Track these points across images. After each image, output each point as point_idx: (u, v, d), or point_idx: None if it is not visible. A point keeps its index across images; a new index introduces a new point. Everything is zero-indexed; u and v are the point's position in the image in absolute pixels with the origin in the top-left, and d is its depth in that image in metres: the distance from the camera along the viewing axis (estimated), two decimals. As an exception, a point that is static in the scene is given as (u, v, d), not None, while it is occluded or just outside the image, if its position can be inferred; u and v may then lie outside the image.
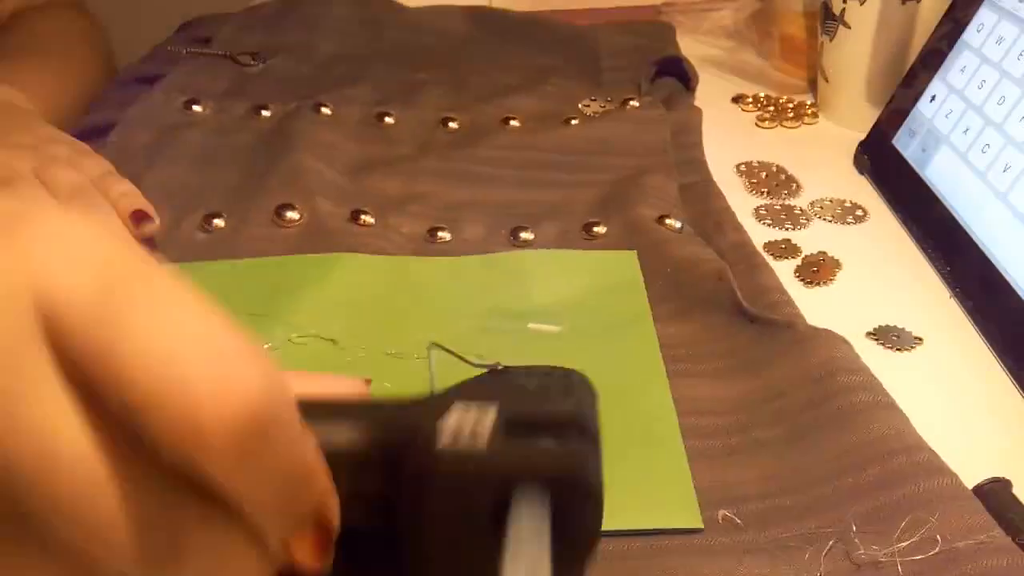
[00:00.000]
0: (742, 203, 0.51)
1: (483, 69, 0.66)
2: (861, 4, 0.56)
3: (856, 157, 0.56)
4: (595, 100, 0.61)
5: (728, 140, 0.59)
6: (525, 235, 0.46)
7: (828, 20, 0.59)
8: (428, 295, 0.42)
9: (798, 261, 0.46)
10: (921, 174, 0.50)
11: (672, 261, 0.42)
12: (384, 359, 0.38)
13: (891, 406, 0.33)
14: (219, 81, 0.62)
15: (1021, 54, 0.45)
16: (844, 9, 0.57)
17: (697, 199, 0.50)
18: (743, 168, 0.55)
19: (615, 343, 0.38)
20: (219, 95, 0.60)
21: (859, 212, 0.51)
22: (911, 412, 0.36)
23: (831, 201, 0.51)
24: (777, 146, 0.59)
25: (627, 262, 0.44)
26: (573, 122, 0.57)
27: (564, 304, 0.41)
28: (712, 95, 0.66)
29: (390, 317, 0.40)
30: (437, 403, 0.22)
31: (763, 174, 0.54)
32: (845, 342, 0.36)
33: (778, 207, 0.51)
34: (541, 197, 0.49)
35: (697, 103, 0.65)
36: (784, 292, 0.41)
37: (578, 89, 0.63)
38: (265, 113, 0.58)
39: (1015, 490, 0.31)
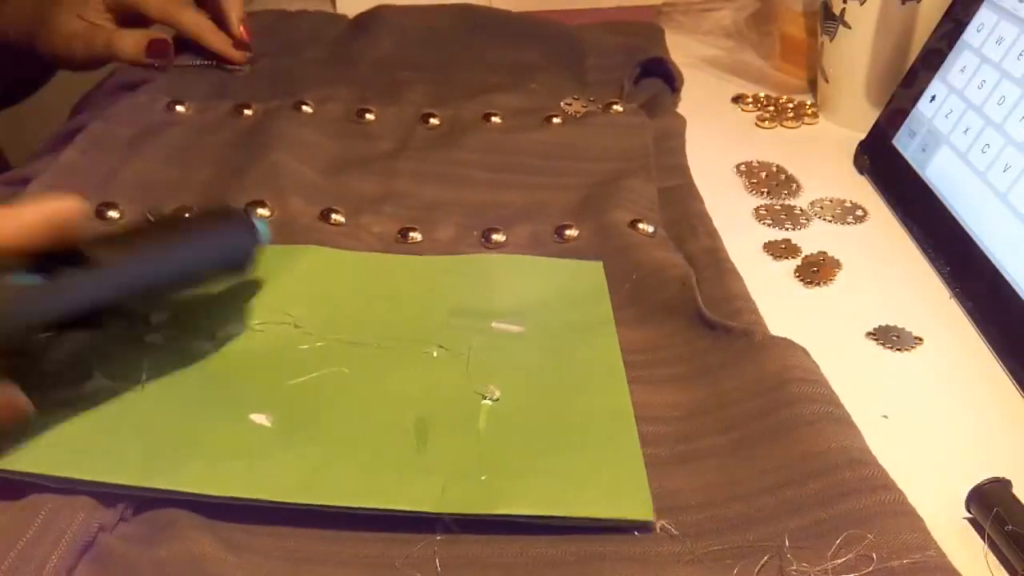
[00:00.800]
0: (742, 203, 0.51)
1: (467, 66, 0.66)
2: (861, 4, 0.56)
3: (856, 157, 0.56)
4: (577, 99, 0.60)
5: (728, 140, 0.59)
6: (497, 237, 0.46)
7: (828, 20, 0.59)
8: (393, 290, 0.42)
9: (798, 261, 0.46)
10: (921, 174, 0.50)
11: (639, 266, 0.42)
12: (344, 347, 0.38)
13: (841, 419, 0.33)
14: (204, 84, 0.62)
15: (1021, 54, 0.45)
16: (844, 9, 0.57)
17: (675, 202, 0.49)
18: (743, 168, 0.55)
19: (577, 344, 0.39)
20: (203, 96, 0.60)
21: (859, 212, 0.51)
22: (911, 412, 0.36)
23: (831, 201, 0.51)
24: (777, 146, 0.59)
25: (593, 272, 0.43)
26: (555, 120, 0.57)
27: (528, 306, 0.41)
28: (712, 95, 0.66)
29: (353, 309, 0.41)
30: None
31: (763, 174, 0.54)
32: (803, 352, 0.36)
33: (778, 207, 0.51)
34: (516, 199, 0.49)
35: (697, 103, 0.65)
36: (749, 300, 0.41)
37: (562, 87, 0.63)
38: (247, 112, 0.58)
39: (1015, 490, 0.31)
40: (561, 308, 0.41)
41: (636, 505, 0.31)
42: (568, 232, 0.46)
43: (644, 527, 0.30)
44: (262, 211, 0.47)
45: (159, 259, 0.35)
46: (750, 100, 0.64)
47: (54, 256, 0.32)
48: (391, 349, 0.38)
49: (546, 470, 0.32)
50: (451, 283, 0.43)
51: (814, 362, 0.36)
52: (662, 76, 0.65)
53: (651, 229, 0.45)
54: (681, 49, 0.74)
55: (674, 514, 0.30)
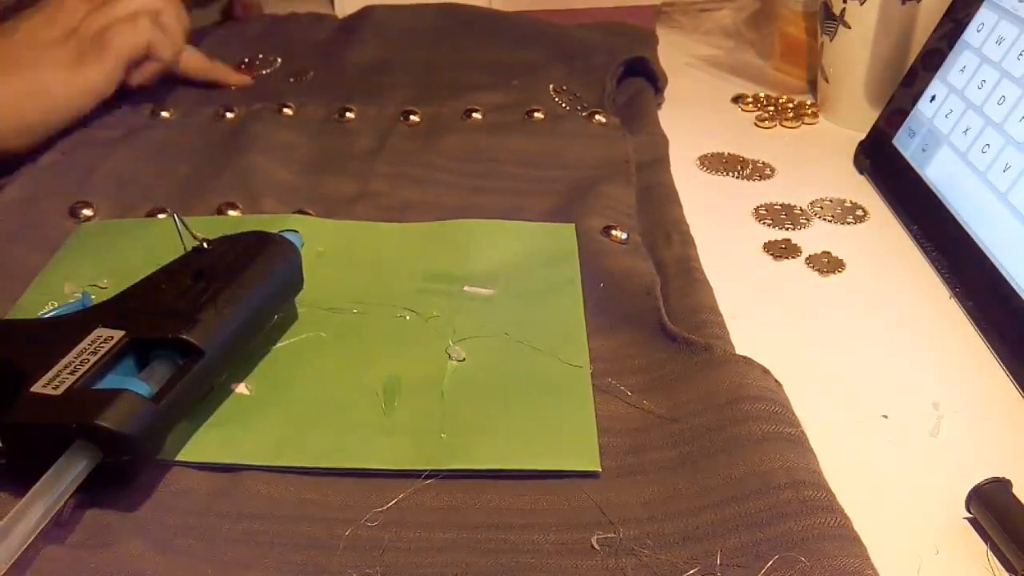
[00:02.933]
0: (742, 203, 0.51)
1: (451, 65, 0.66)
2: (861, 4, 0.56)
3: (856, 157, 0.56)
4: (565, 89, 0.59)
5: (727, 140, 0.59)
6: None
7: (828, 20, 0.59)
8: (370, 257, 0.44)
9: (799, 260, 0.46)
10: (921, 174, 0.50)
11: (606, 275, 0.42)
12: (323, 314, 0.40)
13: (792, 438, 0.32)
14: (189, 91, 0.62)
15: (1021, 54, 0.45)
16: (844, 9, 0.57)
17: (653, 207, 0.49)
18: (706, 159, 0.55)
19: (542, 305, 0.40)
20: (188, 104, 0.60)
21: (859, 212, 0.51)
22: (911, 412, 0.36)
23: (831, 201, 0.51)
24: (777, 146, 0.59)
25: (565, 233, 0.45)
26: (536, 115, 0.57)
27: (500, 270, 0.43)
28: (712, 95, 0.66)
29: (330, 275, 0.42)
30: (78, 327, 0.32)
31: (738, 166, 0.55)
32: (762, 371, 0.35)
33: (778, 206, 0.51)
34: (492, 202, 0.49)
35: (697, 103, 0.65)
36: (716, 313, 0.40)
37: (544, 85, 0.62)
38: (229, 115, 0.58)
39: (1015, 490, 0.31)
40: (531, 270, 0.43)
41: (583, 458, 0.32)
42: None
43: (591, 476, 0.32)
44: (233, 212, 0.47)
45: (246, 323, 0.35)
46: (750, 100, 0.64)
47: (159, 343, 0.32)
48: (367, 315, 0.40)
49: (502, 426, 0.34)
50: (429, 248, 0.44)
51: (774, 380, 0.35)
52: (646, 76, 0.65)
53: (624, 236, 0.45)
54: (681, 49, 0.74)
55: (613, 528, 0.30)
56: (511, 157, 0.53)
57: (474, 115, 0.57)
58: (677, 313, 0.40)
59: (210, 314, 0.33)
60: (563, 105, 0.59)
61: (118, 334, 0.32)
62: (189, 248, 0.37)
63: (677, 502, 0.31)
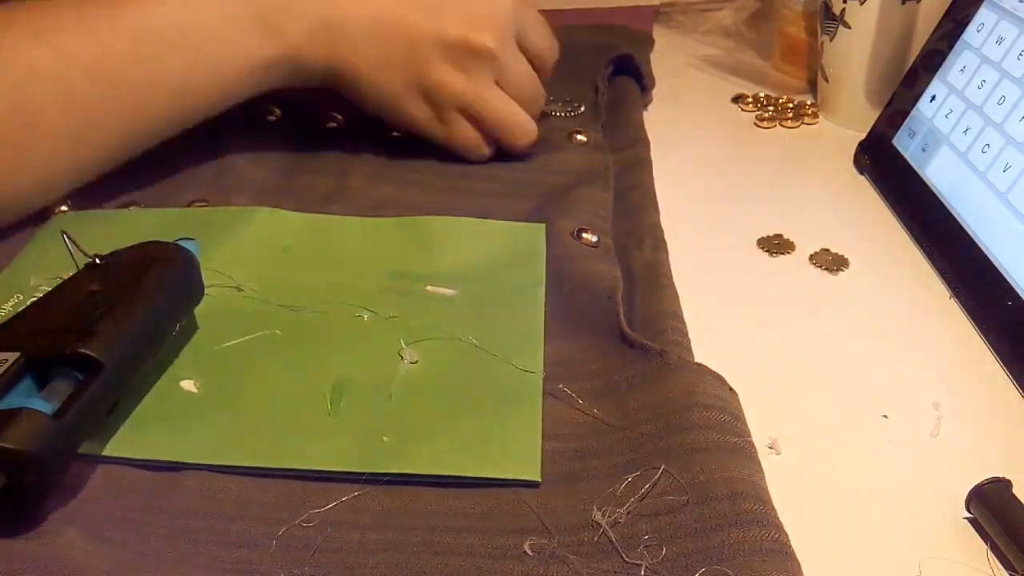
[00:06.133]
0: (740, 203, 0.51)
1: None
2: (861, 4, 0.56)
3: (856, 157, 0.56)
4: (554, 101, 0.59)
5: (727, 140, 0.59)
6: None
7: (828, 20, 0.59)
8: (337, 253, 0.44)
9: (798, 258, 0.46)
10: (921, 174, 0.50)
11: (571, 278, 0.41)
12: (281, 311, 0.39)
13: (737, 448, 0.31)
14: None
15: (1021, 54, 0.45)
16: (844, 9, 0.58)
17: (630, 211, 0.48)
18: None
19: (503, 308, 0.40)
20: None
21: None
22: (911, 412, 0.36)
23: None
24: (777, 146, 0.59)
25: (534, 233, 0.45)
26: None
27: (465, 270, 0.42)
28: (712, 95, 0.66)
29: (296, 271, 0.42)
30: None
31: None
32: (715, 378, 0.35)
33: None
34: (468, 204, 0.48)
35: (697, 103, 0.65)
36: (678, 319, 0.40)
37: None
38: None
39: (1015, 490, 0.31)
40: (496, 271, 0.42)
41: (524, 467, 0.32)
42: None
43: (531, 485, 0.31)
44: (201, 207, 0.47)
45: (144, 334, 0.34)
46: (750, 100, 0.64)
47: (57, 360, 0.31)
48: (326, 313, 0.39)
49: (446, 432, 0.33)
50: (396, 245, 0.44)
51: (727, 389, 0.34)
52: (634, 76, 0.64)
53: (595, 239, 0.44)
54: (681, 49, 0.74)
55: (545, 534, 0.30)
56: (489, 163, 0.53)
57: None
58: (640, 318, 0.39)
59: (107, 327, 0.32)
60: (555, 113, 0.59)
61: (13, 355, 0.31)
62: (82, 265, 0.36)
63: (615, 511, 0.30)
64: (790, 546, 0.28)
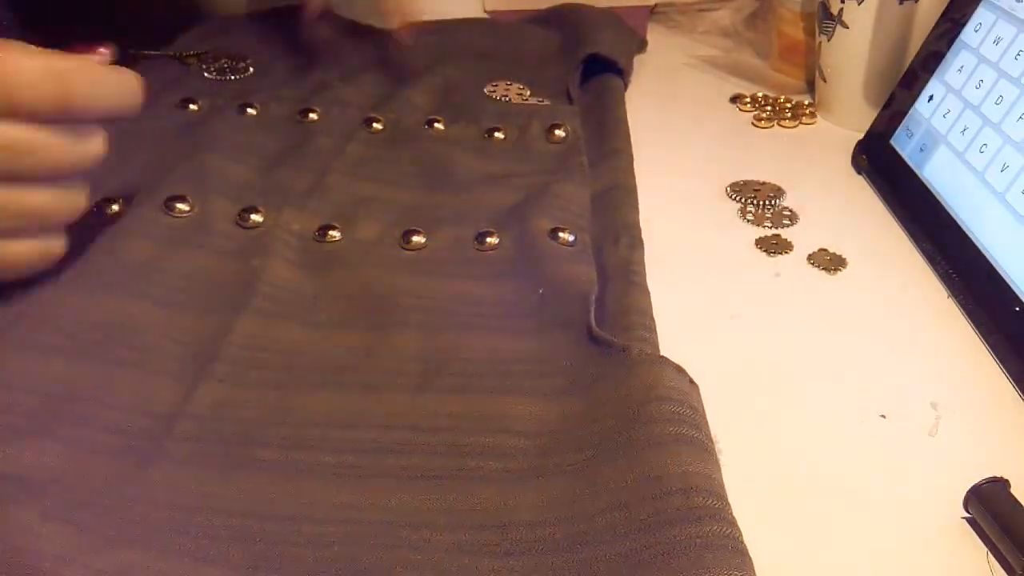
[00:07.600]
0: (736, 203, 0.51)
1: (423, 69, 0.65)
2: (859, 4, 0.56)
3: (854, 157, 0.56)
4: (510, 84, 0.59)
5: (725, 140, 0.59)
6: (417, 239, 0.45)
7: (826, 20, 0.59)
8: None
9: (796, 258, 0.46)
10: (919, 174, 0.50)
11: (547, 280, 0.41)
12: None
13: (693, 442, 0.31)
14: (156, 80, 0.61)
15: (1019, 54, 0.45)
16: (842, 9, 0.57)
17: (609, 209, 0.48)
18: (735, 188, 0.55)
19: None
20: (155, 91, 0.60)
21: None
22: (910, 412, 0.36)
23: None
24: (775, 146, 0.59)
25: None
26: (497, 135, 0.56)
27: None
28: (710, 95, 0.66)
29: None
30: None
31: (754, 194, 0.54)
32: (675, 370, 0.34)
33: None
34: (447, 201, 0.48)
35: (694, 103, 0.65)
36: (646, 316, 0.39)
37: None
38: (192, 107, 0.57)
39: (1014, 490, 0.31)
40: None
41: None
42: (489, 239, 0.45)
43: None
44: (181, 206, 0.46)
45: None
46: (748, 100, 0.64)
47: None
48: None
49: None
50: None
51: (687, 380, 0.34)
52: (617, 74, 0.64)
53: (572, 238, 0.44)
54: (679, 49, 0.74)
55: (503, 530, 0.29)
56: (471, 154, 0.53)
57: (436, 125, 0.57)
58: (609, 316, 0.39)
59: None
60: (521, 97, 0.59)
61: None
62: None
63: (572, 506, 0.30)
64: (743, 542, 0.28)
